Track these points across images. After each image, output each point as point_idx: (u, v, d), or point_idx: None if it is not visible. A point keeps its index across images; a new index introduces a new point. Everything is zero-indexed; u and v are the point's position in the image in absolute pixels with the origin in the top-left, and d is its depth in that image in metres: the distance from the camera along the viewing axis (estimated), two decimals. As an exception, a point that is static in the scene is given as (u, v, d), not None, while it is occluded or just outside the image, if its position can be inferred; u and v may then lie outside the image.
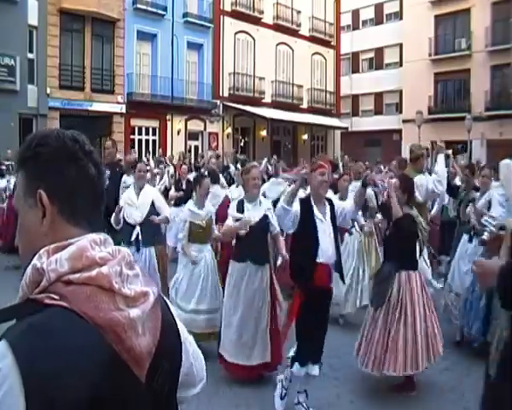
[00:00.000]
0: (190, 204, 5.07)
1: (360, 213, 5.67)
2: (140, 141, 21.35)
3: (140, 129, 21.42)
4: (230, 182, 9.18)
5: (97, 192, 0.98)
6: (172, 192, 8.47)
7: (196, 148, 23.08)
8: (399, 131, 29.05)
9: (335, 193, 5.59)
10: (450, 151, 5.22)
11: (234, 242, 4.65)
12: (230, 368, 4.41)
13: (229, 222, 4.35)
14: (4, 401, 0.74)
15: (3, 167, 9.77)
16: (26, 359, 0.75)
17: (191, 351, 1.10)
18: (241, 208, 4.39)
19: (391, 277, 4.07)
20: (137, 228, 5.07)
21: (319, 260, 3.63)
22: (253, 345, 4.33)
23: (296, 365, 3.73)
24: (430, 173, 6.24)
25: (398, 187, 4.12)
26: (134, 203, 5.12)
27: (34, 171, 0.92)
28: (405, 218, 4.08)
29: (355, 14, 32.90)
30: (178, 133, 22.21)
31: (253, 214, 4.33)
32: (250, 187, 4.41)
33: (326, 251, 3.66)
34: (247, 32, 24.42)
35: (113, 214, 4.99)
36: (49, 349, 0.77)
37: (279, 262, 5.11)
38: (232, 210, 4.43)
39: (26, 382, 0.74)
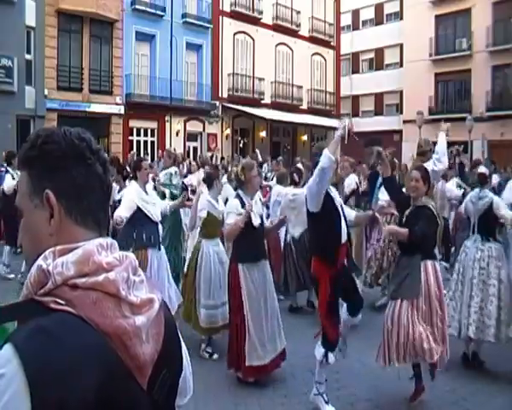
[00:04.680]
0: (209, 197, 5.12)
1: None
2: (138, 142, 21.25)
3: (138, 130, 21.32)
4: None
5: (104, 191, 0.96)
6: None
7: (195, 149, 22.99)
8: (400, 132, 28.94)
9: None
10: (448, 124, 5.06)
11: (229, 244, 4.57)
12: (249, 372, 4.30)
13: (233, 219, 4.20)
14: (9, 405, 0.73)
15: (3, 169, 9.66)
16: (32, 363, 0.74)
17: (187, 359, 1.07)
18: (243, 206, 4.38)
19: (419, 266, 3.96)
20: (160, 226, 5.07)
21: (343, 240, 3.87)
22: (272, 340, 4.34)
23: (330, 355, 3.82)
24: None
25: (419, 177, 4.03)
26: (151, 201, 4.95)
27: (41, 170, 0.90)
28: (427, 207, 4.02)
29: (355, 14, 32.83)
30: (177, 134, 22.12)
31: (256, 211, 4.34)
32: (253, 184, 4.43)
33: (344, 232, 3.89)
34: (246, 33, 24.33)
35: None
36: (55, 353, 0.76)
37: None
38: (236, 208, 4.29)
39: (32, 386, 0.73)
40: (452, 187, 7.62)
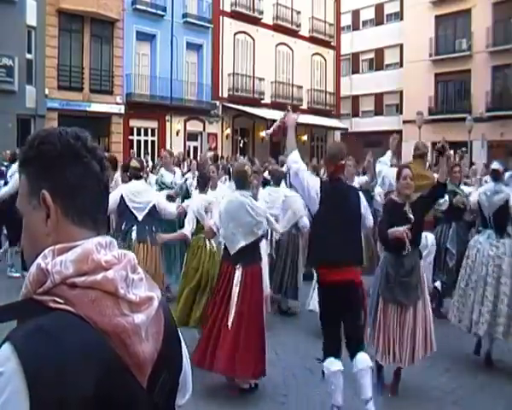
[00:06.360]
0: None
1: None
2: (139, 142, 21.28)
3: (139, 130, 21.35)
4: None
5: (101, 189, 0.96)
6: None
7: (195, 148, 23.01)
8: (400, 132, 28.92)
9: None
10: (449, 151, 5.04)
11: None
12: None
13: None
14: (8, 404, 0.72)
15: (3, 168, 9.68)
16: (31, 361, 0.74)
17: (186, 358, 1.06)
18: None
19: (419, 266, 4.01)
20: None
21: None
22: None
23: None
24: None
25: (411, 175, 4.02)
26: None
27: (37, 170, 0.90)
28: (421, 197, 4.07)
29: (355, 14, 32.84)
30: (177, 134, 22.14)
31: None
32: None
33: None
34: (246, 33, 24.35)
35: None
36: (54, 352, 0.76)
37: None
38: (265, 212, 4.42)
39: (30, 385, 0.73)
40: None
